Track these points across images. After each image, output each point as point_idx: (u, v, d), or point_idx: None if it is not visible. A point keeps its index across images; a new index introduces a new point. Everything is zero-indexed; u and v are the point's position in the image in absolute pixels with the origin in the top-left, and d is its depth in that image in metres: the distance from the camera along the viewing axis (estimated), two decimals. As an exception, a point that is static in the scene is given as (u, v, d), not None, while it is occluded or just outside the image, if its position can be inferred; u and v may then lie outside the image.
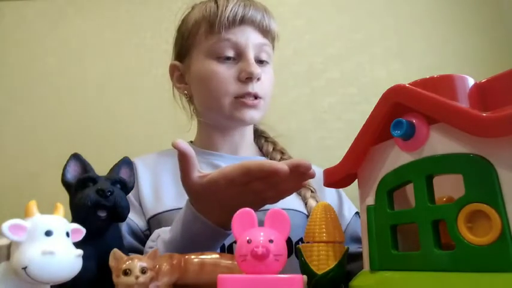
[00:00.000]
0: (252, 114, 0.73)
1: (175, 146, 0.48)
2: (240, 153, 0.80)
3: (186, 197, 0.66)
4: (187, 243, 0.53)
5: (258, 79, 0.72)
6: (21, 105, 1.34)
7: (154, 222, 0.69)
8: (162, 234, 0.58)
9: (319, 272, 0.41)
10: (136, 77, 1.33)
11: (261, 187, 0.49)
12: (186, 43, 0.77)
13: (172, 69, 0.81)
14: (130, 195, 0.72)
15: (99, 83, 1.34)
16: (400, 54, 1.29)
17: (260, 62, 0.74)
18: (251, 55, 0.72)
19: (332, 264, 0.41)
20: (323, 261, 0.41)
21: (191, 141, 0.85)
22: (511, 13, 1.27)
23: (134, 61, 1.35)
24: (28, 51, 1.38)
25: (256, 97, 0.73)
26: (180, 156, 0.49)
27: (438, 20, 1.31)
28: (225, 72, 0.71)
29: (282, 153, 0.81)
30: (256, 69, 0.71)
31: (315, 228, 0.43)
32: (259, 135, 0.86)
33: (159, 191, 0.73)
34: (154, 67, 1.32)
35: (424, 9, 1.33)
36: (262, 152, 0.84)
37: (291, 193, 0.52)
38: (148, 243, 0.59)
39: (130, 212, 0.70)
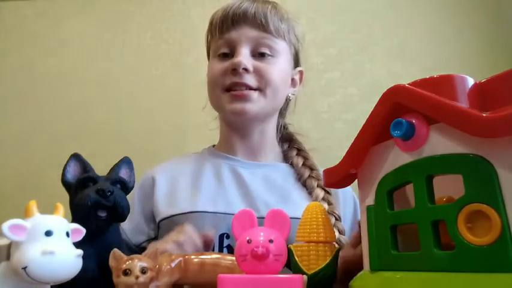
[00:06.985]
0: (243, 106, 0.73)
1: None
2: (260, 158, 0.80)
3: (200, 201, 0.70)
4: None
5: (246, 70, 0.72)
6: (21, 105, 1.34)
7: (166, 224, 0.69)
8: None
9: (309, 272, 0.41)
10: (136, 77, 1.33)
11: None
12: (207, 51, 0.83)
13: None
14: (138, 208, 0.74)
15: (99, 83, 1.34)
16: (400, 54, 1.29)
17: (260, 54, 0.75)
18: (242, 48, 0.74)
19: (322, 264, 0.41)
20: (313, 261, 0.41)
21: (213, 146, 0.86)
22: (510, 13, 1.27)
23: (134, 61, 1.35)
24: (28, 51, 1.38)
25: (249, 88, 0.73)
26: None
27: (438, 20, 1.31)
28: (219, 67, 0.75)
29: (311, 169, 0.78)
30: (242, 59, 0.72)
31: (305, 229, 0.43)
32: (292, 146, 0.84)
33: (174, 195, 0.73)
34: (154, 67, 1.32)
35: (424, 9, 1.32)
36: (288, 161, 0.81)
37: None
38: None
39: (128, 227, 0.71)
